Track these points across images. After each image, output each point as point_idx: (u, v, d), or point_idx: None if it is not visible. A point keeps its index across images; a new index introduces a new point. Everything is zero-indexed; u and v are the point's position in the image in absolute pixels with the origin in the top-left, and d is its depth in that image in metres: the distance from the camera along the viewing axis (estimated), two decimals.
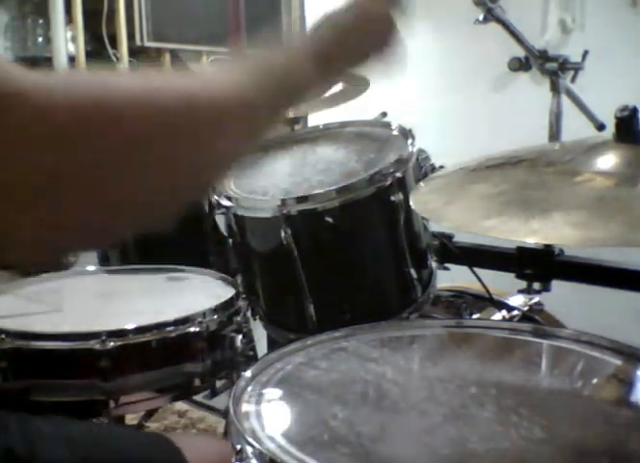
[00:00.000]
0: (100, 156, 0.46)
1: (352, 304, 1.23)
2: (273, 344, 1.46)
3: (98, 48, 3.67)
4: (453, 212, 0.86)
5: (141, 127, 0.48)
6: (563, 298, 1.40)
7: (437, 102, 3.34)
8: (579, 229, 0.74)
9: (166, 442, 0.96)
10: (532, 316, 1.43)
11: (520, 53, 1.57)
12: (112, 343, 1.04)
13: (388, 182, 1.18)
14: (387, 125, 1.37)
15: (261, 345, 1.43)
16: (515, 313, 1.44)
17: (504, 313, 1.43)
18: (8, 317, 1.13)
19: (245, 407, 0.78)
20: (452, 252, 1.34)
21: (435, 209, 0.91)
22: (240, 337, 1.15)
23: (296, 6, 4.23)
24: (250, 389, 0.82)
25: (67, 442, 0.89)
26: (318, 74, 0.66)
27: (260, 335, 1.39)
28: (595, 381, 0.85)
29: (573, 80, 1.57)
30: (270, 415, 0.76)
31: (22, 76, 0.43)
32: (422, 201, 0.96)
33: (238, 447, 0.69)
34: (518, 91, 2.93)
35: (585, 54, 1.56)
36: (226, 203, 1.26)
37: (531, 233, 0.76)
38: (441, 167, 1.33)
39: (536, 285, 1.33)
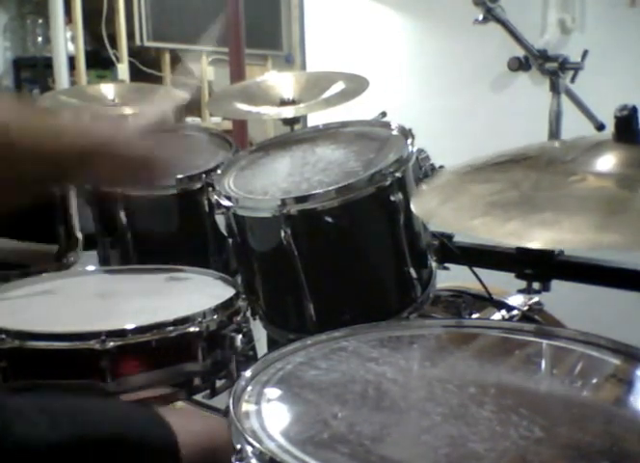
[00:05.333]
0: None
1: (352, 304, 1.23)
2: (273, 344, 1.45)
3: (98, 48, 3.67)
4: (453, 217, 0.86)
5: None
6: (563, 298, 1.40)
7: (436, 102, 3.34)
8: (579, 232, 0.73)
9: (154, 416, 0.94)
10: (532, 316, 1.43)
11: (520, 53, 1.58)
12: (112, 343, 1.04)
13: (388, 182, 1.18)
14: (387, 125, 1.37)
15: (261, 345, 1.43)
16: (514, 312, 1.44)
17: (504, 312, 1.43)
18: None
19: (245, 407, 0.78)
20: (452, 252, 1.34)
21: (434, 212, 0.90)
22: (240, 336, 1.15)
23: (295, 5, 4.23)
24: (250, 388, 0.82)
25: (49, 418, 0.87)
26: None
27: (260, 335, 1.39)
28: (594, 381, 0.85)
29: (572, 80, 1.57)
30: (270, 414, 0.76)
31: None
32: (422, 205, 0.95)
33: (238, 446, 0.69)
34: (517, 90, 2.93)
35: (585, 54, 1.57)
36: (225, 202, 1.26)
37: (531, 239, 0.76)
38: (441, 167, 1.33)
39: (536, 285, 1.33)
